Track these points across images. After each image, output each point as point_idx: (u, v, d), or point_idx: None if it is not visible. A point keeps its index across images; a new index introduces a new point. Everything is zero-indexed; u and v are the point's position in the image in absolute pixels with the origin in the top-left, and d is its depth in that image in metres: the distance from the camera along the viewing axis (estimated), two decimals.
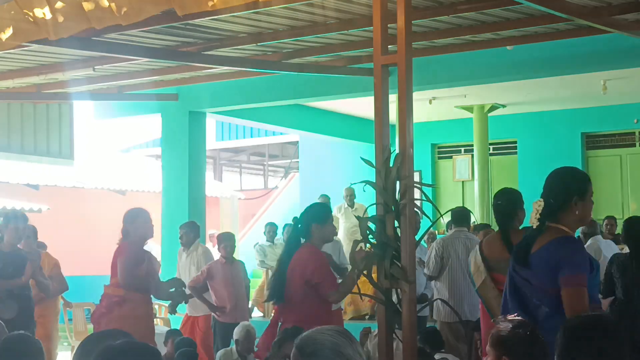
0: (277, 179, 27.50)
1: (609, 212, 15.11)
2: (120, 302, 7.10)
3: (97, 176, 18.17)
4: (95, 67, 9.79)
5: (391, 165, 4.98)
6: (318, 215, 6.18)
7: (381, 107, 5.07)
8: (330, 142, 17.81)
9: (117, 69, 10.47)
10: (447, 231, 10.94)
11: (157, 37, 8.59)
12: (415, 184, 4.98)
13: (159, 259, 11.01)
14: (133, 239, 7.33)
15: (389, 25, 5.41)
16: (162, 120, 13.58)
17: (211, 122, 13.96)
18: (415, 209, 5.10)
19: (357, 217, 5.10)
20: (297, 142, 20.15)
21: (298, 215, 6.34)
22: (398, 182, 4.99)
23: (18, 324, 7.02)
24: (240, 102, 12.96)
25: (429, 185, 6.00)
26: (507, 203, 6.13)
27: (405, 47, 4.95)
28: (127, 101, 13.16)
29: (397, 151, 5.08)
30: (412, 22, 5.62)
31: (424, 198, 5.09)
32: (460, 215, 9.33)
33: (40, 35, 5.28)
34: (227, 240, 10.20)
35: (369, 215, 5.08)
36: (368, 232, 4.99)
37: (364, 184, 5.19)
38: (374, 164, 5.08)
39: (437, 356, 7.57)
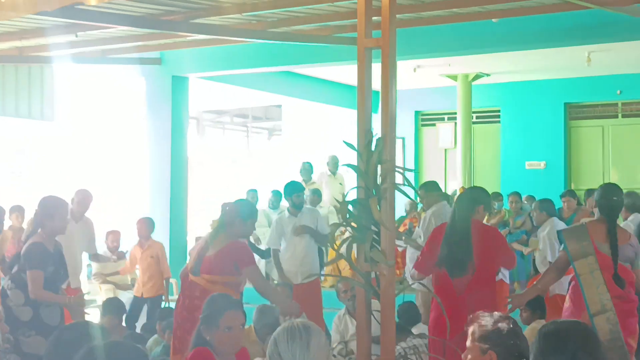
0: (261, 140, 27.43)
1: (590, 182, 15.23)
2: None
3: (80, 137, 18.05)
4: (78, 33, 9.71)
5: (373, 149, 4.98)
6: (485, 201, 6.85)
7: (364, 92, 5.05)
8: (313, 106, 17.76)
9: (100, 34, 10.38)
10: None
11: (140, 5, 8.52)
12: (396, 169, 4.99)
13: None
14: (242, 236, 6.84)
15: None
16: (145, 85, 13.51)
17: (196, 85, 13.86)
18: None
19: (337, 200, 5.13)
20: (281, 105, 20.08)
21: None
22: (379, 166, 4.99)
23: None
24: (224, 68, 12.88)
25: (410, 170, 6.06)
26: (621, 201, 6.60)
27: (389, 31, 4.94)
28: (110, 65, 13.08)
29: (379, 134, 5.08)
30: None
31: (405, 183, 5.09)
32: (437, 187, 9.34)
33: (21, 12, 5.22)
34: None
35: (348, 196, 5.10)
36: (348, 216, 5.01)
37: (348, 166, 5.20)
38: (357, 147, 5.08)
39: (414, 330, 7.68)
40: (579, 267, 6.15)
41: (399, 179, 5.14)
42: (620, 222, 9.19)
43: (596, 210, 6.52)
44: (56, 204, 6.71)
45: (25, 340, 6.28)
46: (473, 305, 6.30)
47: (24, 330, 6.32)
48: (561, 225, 9.60)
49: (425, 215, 9.18)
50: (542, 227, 9.61)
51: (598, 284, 6.04)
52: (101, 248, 11.12)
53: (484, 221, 7.22)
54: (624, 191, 9.18)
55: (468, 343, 3.60)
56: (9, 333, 6.28)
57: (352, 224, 5.05)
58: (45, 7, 5.25)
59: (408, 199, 12.52)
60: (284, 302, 7.03)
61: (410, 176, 17.21)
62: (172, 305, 11.00)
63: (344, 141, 5.21)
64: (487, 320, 3.56)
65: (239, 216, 6.63)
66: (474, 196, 6.76)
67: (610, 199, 6.46)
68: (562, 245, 6.53)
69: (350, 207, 5.09)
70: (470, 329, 3.60)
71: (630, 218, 9.09)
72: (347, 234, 5.32)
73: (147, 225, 10.91)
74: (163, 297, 10.88)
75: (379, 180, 5.01)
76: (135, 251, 10.88)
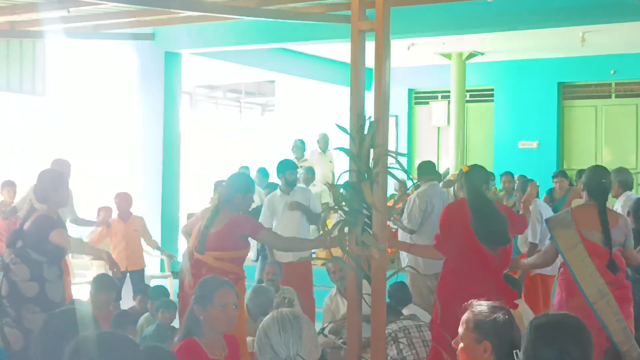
0: (253, 115, 27.35)
1: (583, 162, 15.26)
2: (236, 280, 6.30)
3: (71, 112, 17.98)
4: (70, 8, 9.64)
5: (365, 132, 4.96)
6: (487, 180, 6.90)
7: (357, 74, 5.01)
8: (306, 83, 17.70)
9: (93, 10, 10.31)
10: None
11: None
12: (389, 153, 4.96)
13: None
14: (243, 210, 6.71)
15: None
16: (138, 61, 13.44)
17: (189, 60, 13.81)
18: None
19: (328, 184, 5.10)
20: (274, 81, 20.01)
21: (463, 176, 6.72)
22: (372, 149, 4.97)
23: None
24: (217, 44, 12.82)
25: (402, 155, 5.96)
26: (609, 183, 6.43)
27: (383, 14, 4.89)
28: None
29: (372, 117, 5.04)
30: None
31: (397, 167, 5.07)
32: (427, 169, 9.33)
33: None
34: None
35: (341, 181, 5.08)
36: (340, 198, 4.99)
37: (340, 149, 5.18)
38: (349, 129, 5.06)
39: (405, 311, 7.67)
40: (569, 257, 6.11)
41: (391, 161, 5.12)
42: (612, 201, 9.23)
43: (584, 194, 6.41)
44: (59, 177, 6.75)
45: (30, 316, 6.28)
46: (500, 280, 6.38)
47: (29, 306, 6.30)
48: (544, 207, 9.57)
49: (411, 196, 9.18)
50: None
51: (590, 272, 5.99)
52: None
53: None
54: (616, 169, 9.20)
55: (460, 330, 3.58)
56: (11, 308, 6.28)
57: (344, 207, 5.03)
58: None
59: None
60: (316, 242, 6.95)
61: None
62: (162, 283, 11.10)
63: (336, 124, 5.19)
64: (482, 309, 3.54)
65: (238, 191, 6.63)
66: (481, 174, 6.72)
67: (599, 181, 6.34)
68: (550, 236, 6.49)
69: (342, 190, 5.08)
70: (464, 317, 3.57)
71: (621, 198, 9.07)
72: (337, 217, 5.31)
73: (128, 200, 10.98)
74: (145, 270, 11.02)
75: (371, 164, 4.98)
76: (117, 225, 10.86)
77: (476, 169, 6.91)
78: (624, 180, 8.88)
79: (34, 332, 6.10)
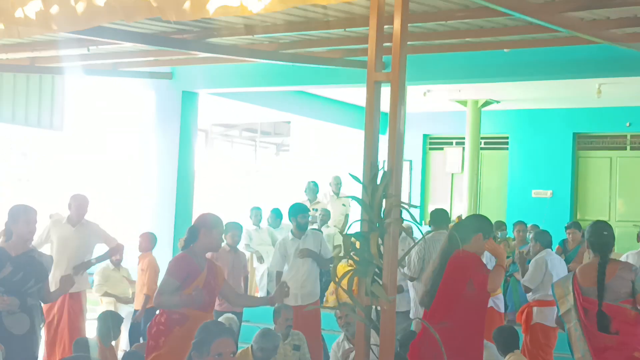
0: (268, 154, 27.44)
1: (596, 213, 15.22)
2: (181, 320, 6.24)
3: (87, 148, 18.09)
4: (90, 47, 9.73)
5: (379, 182, 4.96)
6: (485, 228, 6.46)
7: (372, 124, 5.04)
8: (322, 124, 17.77)
9: (112, 48, 10.40)
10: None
11: (152, 23, 8.54)
12: (401, 204, 4.96)
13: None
14: (194, 249, 6.41)
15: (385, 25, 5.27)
16: (155, 99, 13.53)
17: (206, 99, 13.89)
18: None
19: (340, 233, 5.11)
20: (290, 122, 20.09)
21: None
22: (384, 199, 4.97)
23: (27, 340, 6.59)
24: (234, 85, 12.90)
25: (415, 207, 5.84)
26: (611, 235, 6.44)
27: (399, 66, 4.92)
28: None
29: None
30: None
31: (409, 220, 5.07)
32: (440, 217, 9.31)
33: (32, 33, 5.24)
34: (234, 229, 10.19)
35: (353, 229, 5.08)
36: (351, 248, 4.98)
37: (353, 198, 5.19)
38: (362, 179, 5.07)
39: None
40: (565, 318, 6.36)
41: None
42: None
43: (589, 251, 6.44)
44: (20, 210, 6.87)
45: None
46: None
47: None
48: (555, 257, 9.59)
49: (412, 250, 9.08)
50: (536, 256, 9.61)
51: (578, 336, 6.26)
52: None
53: None
54: (634, 223, 9.53)
55: None
56: None
57: (355, 257, 5.02)
58: (60, 29, 5.26)
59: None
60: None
61: (416, 199, 17.19)
62: None
63: (350, 174, 5.21)
64: None
65: (203, 227, 6.39)
66: (471, 224, 6.55)
67: (601, 234, 6.41)
68: (552, 293, 6.64)
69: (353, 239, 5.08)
70: None
71: None
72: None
73: (144, 239, 11.09)
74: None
75: (383, 213, 4.98)
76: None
77: (467, 220, 6.88)
78: None
79: None
